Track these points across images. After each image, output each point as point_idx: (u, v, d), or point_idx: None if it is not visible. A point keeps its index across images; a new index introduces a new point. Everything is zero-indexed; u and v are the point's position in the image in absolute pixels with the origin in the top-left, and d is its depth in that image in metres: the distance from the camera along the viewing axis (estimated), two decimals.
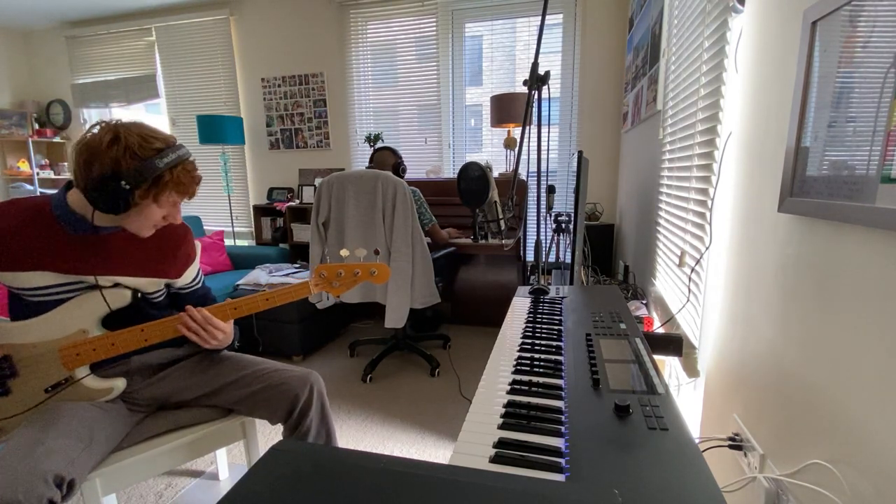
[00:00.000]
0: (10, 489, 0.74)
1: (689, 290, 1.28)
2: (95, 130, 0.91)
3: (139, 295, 1.07)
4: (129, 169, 0.89)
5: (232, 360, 1.18)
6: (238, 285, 2.66)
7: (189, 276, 1.17)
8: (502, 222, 1.20)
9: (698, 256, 1.20)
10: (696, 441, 0.53)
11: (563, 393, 0.67)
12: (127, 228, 0.99)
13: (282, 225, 3.48)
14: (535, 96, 1.18)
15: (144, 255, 1.07)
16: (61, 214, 0.95)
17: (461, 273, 3.03)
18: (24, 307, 0.98)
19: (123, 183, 0.88)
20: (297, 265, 2.89)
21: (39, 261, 0.95)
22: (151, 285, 1.09)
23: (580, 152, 1.50)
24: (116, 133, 0.89)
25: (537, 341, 0.88)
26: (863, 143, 0.57)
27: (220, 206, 3.82)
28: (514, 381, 0.72)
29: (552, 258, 2.38)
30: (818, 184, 0.66)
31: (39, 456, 0.81)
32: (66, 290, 0.98)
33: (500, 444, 0.56)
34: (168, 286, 1.14)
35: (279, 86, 3.49)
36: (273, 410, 1.11)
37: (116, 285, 1.03)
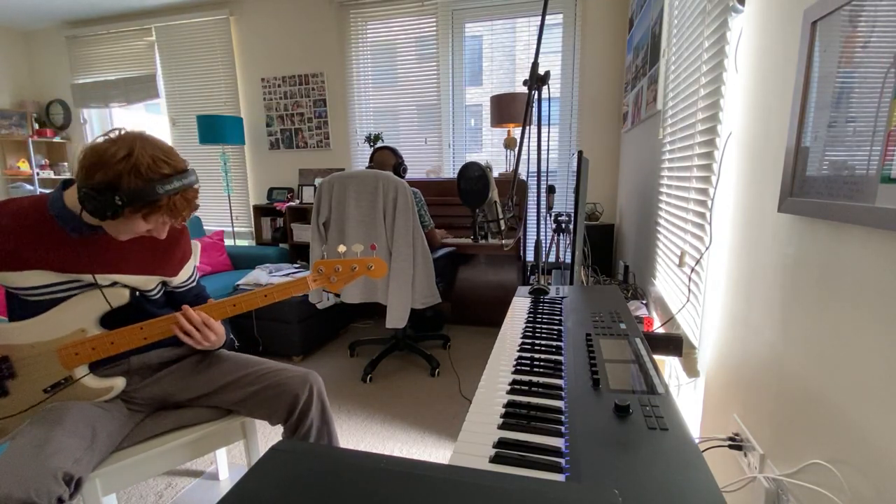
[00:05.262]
0: (23, 487, 0.75)
1: (689, 290, 1.27)
2: (113, 136, 0.90)
3: (137, 294, 1.07)
4: (129, 188, 0.87)
5: (232, 360, 1.18)
6: (238, 285, 2.65)
7: (185, 275, 1.17)
8: (502, 222, 1.20)
9: (698, 256, 1.20)
10: (696, 441, 0.53)
11: (563, 393, 0.67)
12: (105, 229, 0.97)
13: (282, 225, 3.48)
14: (535, 96, 1.18)
15: (141, 253, 1.07)
16: (58, 213, 0.95)
17: (461, 273, 3.03)
18: (22, 307, 0.98)
19: (117, 198, 0.87)
20: (297, 265, 2.89)
21: (37, 260, 0.95)
22: (149, 283, 1.09)
23: (580, 152, 1.50)
24: (132, 149, 0.88)
25: (537, 341, 0.88)
26: (863, 143, 0.57)
27: (220, 206, 3.82)
28: (514, 381, 0.72)
29: (552, 258, 2.38)
30: (818, 184, 0.66)
31: (48, 454, 0.81)
32: (64, 289, 0.98)
33: (500, 444, 0.56)
34: (164, 284, 1.14)
35: (279, 86, 3.49)
36: (272, 411, 1.11)
37: (114, 284, 1.03)
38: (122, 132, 0.92)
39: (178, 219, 0.98)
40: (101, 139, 0.90)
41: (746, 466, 0.91)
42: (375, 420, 1.90)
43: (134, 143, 0.89)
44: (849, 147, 0.60)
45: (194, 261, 1.21)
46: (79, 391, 0.99)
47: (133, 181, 0.88)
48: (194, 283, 1.22)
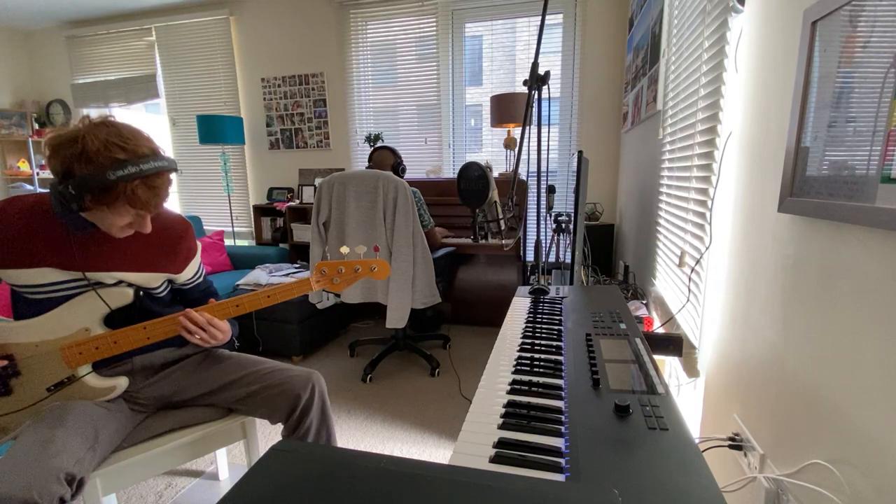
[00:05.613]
0: (25, 488, 0.75)
1: (689, 290, 1.27)
2: (77, 124, 0.88)
3: (141, 293, 1.07)
4: (79, 174, 0.83)
5: (234, 359, 1.19)
6: (238, 285, 2.65)
7: (191, 272, 1.17)
8: (502, 222, 1.20)
9: (698, 256, 1.20)
10: (696, 441, 0.53)
11: (563, 393, 0.67)
12: (98, 226, 0.95)
13: (282, 225, 3.48)
14: (535, 96, 1.18)
15: (146, 250, 1.07)
16: (60, 211, 0.95)
17: (461, 273, 3.03)
18: (27, 306, 0.98)
19: (70, 188, 0.83)
20: (297, 265, 2.89)
21: (42, 257, 0.95)
22: (154, 280, 1.09)
23: (580, 152, 1.50)
24: (80, 133, 0.85)
25: (537, 341, 0.88)
26: (863, 143, 0.57)
27: (220, 206, 3.82)
28: (514, 381, 0.72)
29: (552, 258, 2.38)
30: (818, 184, 0.66)
31: (51, 454, 0.81)
32: (70, 287, 0.98)
33: (500, 444, 0.56)
34: (170, 281, 1.14)
35: (279, 86, 3.49)
36: (274, 410, 1.11)
37: (118, 283, 1.03)
38: (86, 121, 0.88)
39: (146, 209, 0.92)
40: (60, 127, 0.87)
41: (746, 466, 0.91)
42: (375, 420, 1.90)
43: (84, 129, 0.85)
44: (849, 147, 0.60)
45: (199, 257, 1.21)
46: (82, 390, 0.99)
47: (83, 167, 0.83)
48: (201, 279, 1.22)
